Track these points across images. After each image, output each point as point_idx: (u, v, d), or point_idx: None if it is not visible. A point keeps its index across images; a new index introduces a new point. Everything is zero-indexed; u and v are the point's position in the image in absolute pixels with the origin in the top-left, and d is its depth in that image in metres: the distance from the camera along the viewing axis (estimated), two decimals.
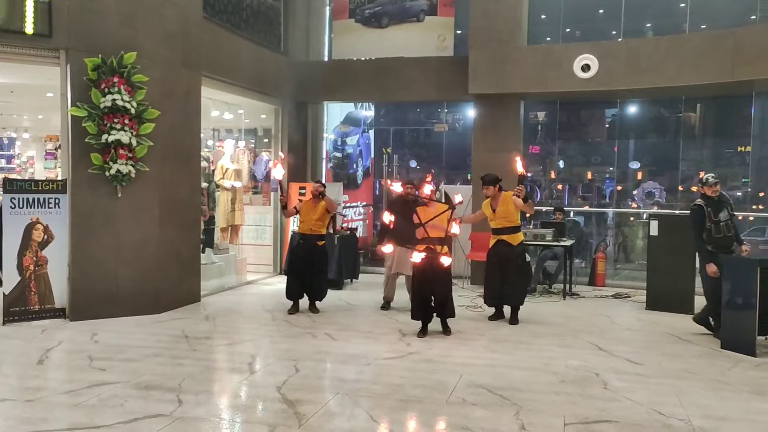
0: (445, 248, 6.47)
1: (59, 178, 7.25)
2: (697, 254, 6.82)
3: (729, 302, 6.06)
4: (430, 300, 6.46)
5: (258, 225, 10.85)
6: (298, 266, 7.51)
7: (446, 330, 6.56)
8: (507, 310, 7.30)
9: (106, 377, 4.95)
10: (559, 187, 11.82)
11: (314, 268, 7.51)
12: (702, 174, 6.84)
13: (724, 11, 9.56)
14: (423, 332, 6.48)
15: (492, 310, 7.40)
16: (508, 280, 6.99)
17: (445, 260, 6.37)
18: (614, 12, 10.04)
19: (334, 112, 12.25)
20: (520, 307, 7.19)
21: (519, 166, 6.63)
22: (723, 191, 6.80)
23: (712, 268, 6.40)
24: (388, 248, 7.35)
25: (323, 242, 7.62)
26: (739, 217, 10.12)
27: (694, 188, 9.60)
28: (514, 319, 7.09)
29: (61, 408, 4.33)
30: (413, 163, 13.01)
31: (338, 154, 12.34)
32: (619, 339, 6.51)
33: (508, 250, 6.98)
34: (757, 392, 4.86)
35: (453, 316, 6.65)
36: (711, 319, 6.67)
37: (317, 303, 7.66)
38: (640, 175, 11.41)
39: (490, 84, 9.65)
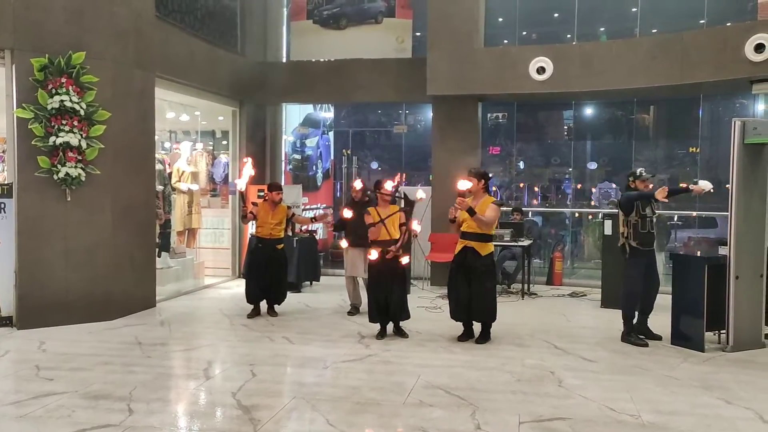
0: (401, 250, 6.47)
1: (5, 181, 7.01)
2: (624, 252, 6.39)
3: (678, 299, 6.23)
4: (386, 302, 6.44)
5: (216, 228, 10.69)
6: (258, 270, 7.41)
7: (403, 334, 6.53)
8: (477, 326, 6.50)
9: (54, 387, 4.79)
10: (521, 185, 11.99)
11: (274, 272, 7.41)
12: (637, 170, 6.64)
13: (673, 15, 9.83)
14: (381, 334, 6.47)
15: (459, 328, 6.50)
16: (475, 295, 6.22)
17: (404, 260, 6.36)
18: (568, 16, 10.23)
19: (293, 114, 12.16)
20: (492, 324, 6.43)
21: (463, 184, 6.19)
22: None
23: (701, 187, 6.17)
24: (344, 243, 7.44)
25: (282, 246, 7.55)
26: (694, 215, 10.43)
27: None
28: (482, 338, 6.33)
29: (6, 419, 4.18)
30: (374, 165, 13.02)
31: (297, 156, 12.26)
32: (574, 337, 6.62)
33: (474, 260, 6.20)
34: (705, 387, 4.99)
35: (408, 318, 6.63)
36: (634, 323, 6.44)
37: (276, 307, 7.58)
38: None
39: (448, 85, 9.71)
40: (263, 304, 7.54)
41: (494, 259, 6.47)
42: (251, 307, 7.46)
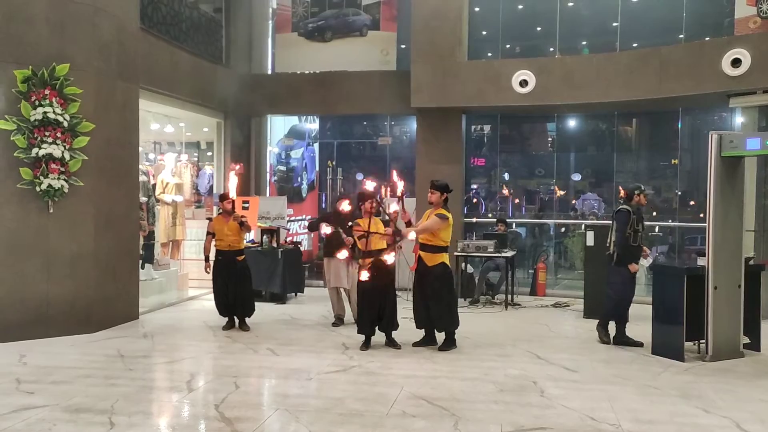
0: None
1: None
2: (611, 260, 6.71)
3: (658, 310, 6.32)
4: (378, 312, 6.44)
5: (200, 239, 10.59)
6: (221, 284, 7.30)
7: (395, 345, 6.52)
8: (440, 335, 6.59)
9: (34, 401, 4.75)
10: (505, 191, 12.04)
11: (237, 285, 7.27)
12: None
13: (653, 30, 10.01)
14: (366, 345, 6.48)
15: (441, 336, 6.56)
16: (431, 304, 6.38)
17: (389, 258, 6.24)
18: (551, 30, 10.38)
19: (278, 125, 12.19)
20: (454, 332, 6.52)
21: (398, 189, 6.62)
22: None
23: (635, 267, 6.60)
24: (343, 254, 7.01)
25: (243, 257, 7.43)
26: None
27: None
28: (444, 345, 6.44)
29: None
30: (359, 176, 13.04)
31: (282, 168, 12.28)
32: (557, 347, 6.67)
33: (424, 270, 6.39)
34: (684, 396, 5.06)
35: (396, 329, 6.62)
36: (611, 327, 6.76)
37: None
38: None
39: (432, 97, 9.81)
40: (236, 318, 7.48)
41: (447, 270, 6.48)
42: (226, 319, 7.40)
